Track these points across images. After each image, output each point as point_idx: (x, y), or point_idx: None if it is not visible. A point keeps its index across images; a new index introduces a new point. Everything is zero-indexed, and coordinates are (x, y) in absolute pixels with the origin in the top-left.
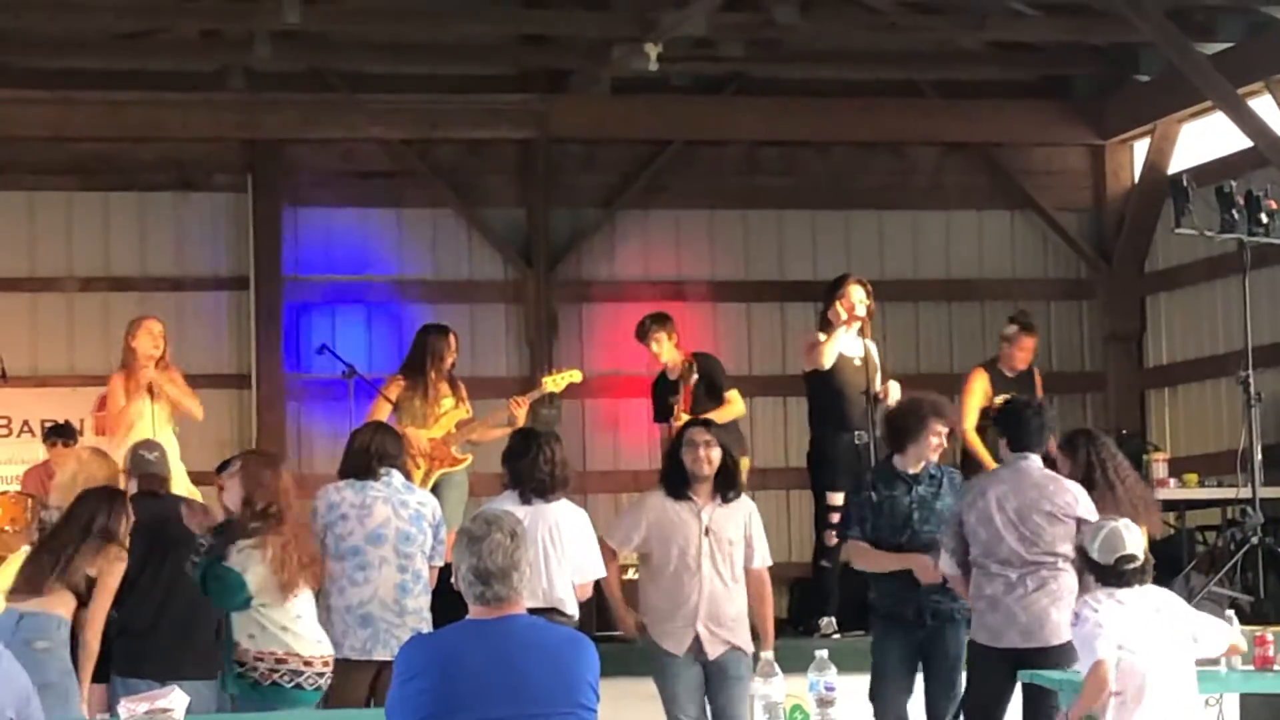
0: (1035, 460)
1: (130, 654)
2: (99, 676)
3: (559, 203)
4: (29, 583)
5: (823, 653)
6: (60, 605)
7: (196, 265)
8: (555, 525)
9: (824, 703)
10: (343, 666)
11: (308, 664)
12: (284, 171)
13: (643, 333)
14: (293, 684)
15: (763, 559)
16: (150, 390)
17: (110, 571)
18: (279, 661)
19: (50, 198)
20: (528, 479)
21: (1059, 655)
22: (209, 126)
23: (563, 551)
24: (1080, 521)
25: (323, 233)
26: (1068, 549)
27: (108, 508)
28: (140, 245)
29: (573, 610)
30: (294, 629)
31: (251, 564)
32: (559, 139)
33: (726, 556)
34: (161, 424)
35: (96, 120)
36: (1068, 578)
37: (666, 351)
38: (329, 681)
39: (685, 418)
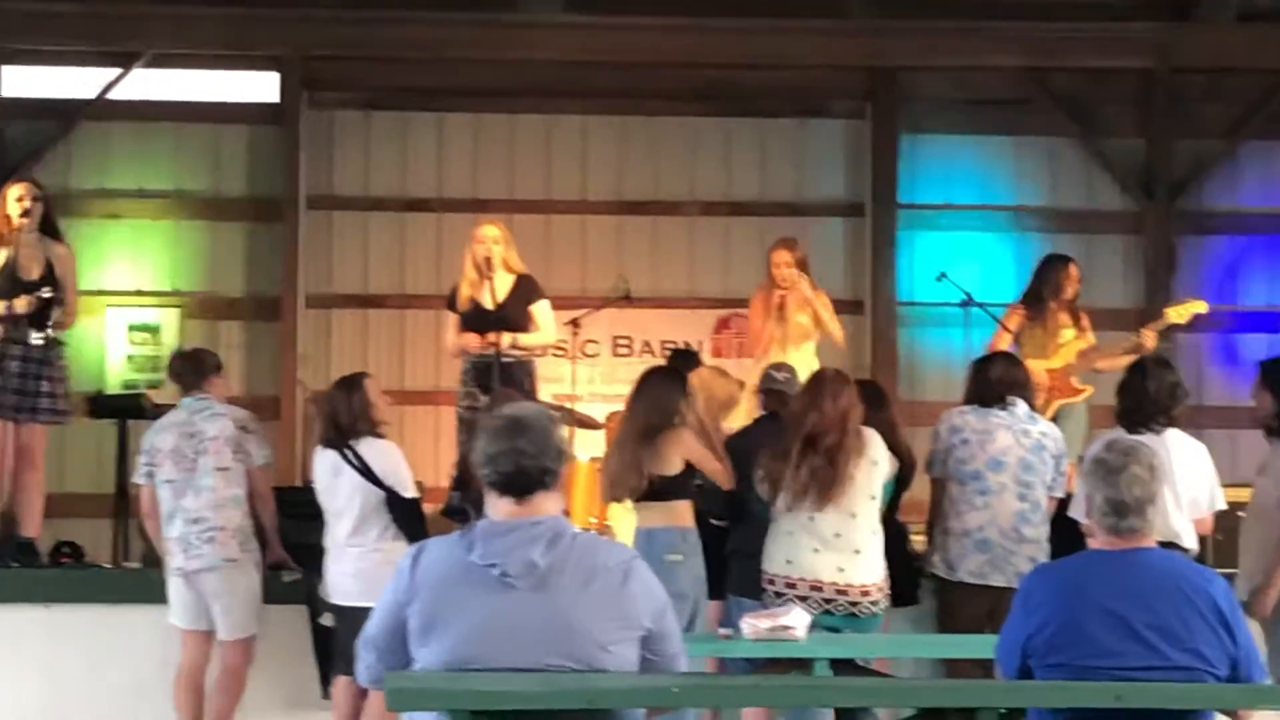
0: None
1: (744, 577)
2: (714, 594)
3: (1180, 133)
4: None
5: None
6: (680, 516)
7: (814, 191)
8: (1165, 456)
9: None
10: (959, 590)
11: (770, 582)
12: (902, 99)
13: None
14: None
15: None
16: (780, 309)
17: (687, 445)
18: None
19: (675, 124)
20: (1133, 408)
21: None
22: (831, 54)
23: (1174, 483)
24: None
25: (940, 160)
26: None
27: (661, 391)
28: (760, 171)
29: (1191, 544)
30: (769, 545)
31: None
32: (1181, 68)
33: None
34: (795, 345)
35: (721, 47)
36: None
37: None
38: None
39: None
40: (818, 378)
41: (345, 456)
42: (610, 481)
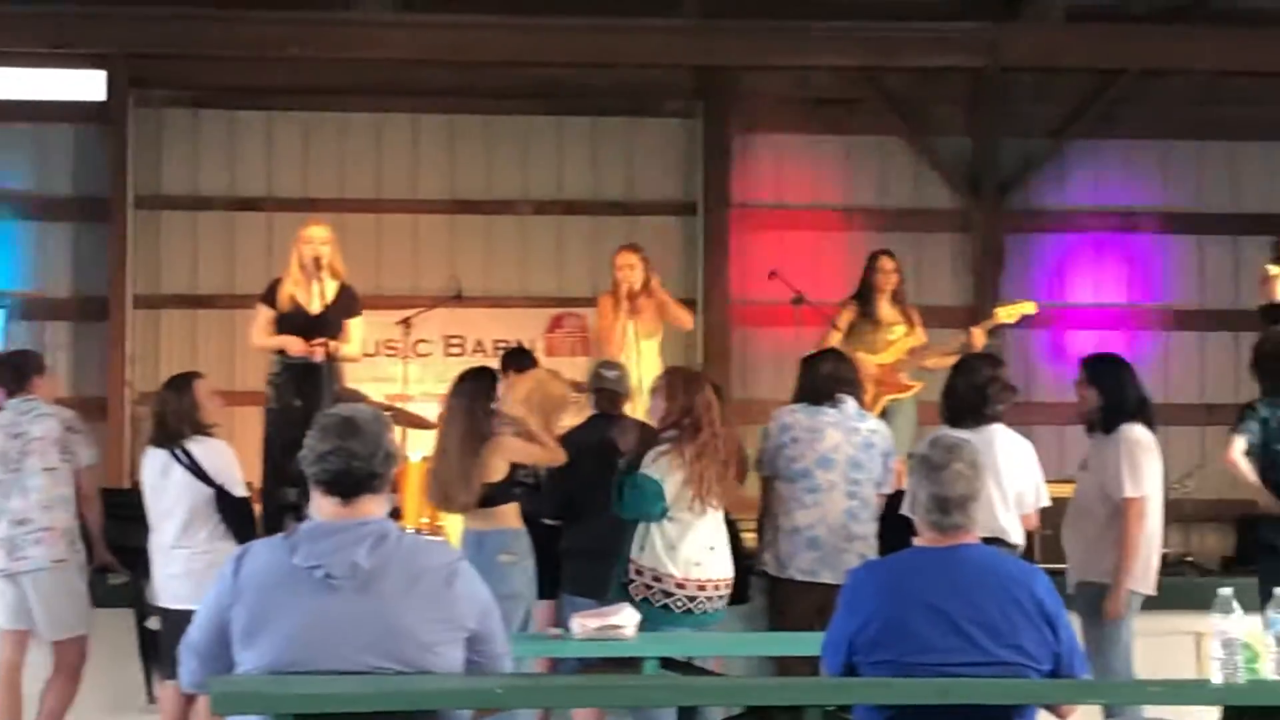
0: None
1: (578, 576)
2: (546, 594)
3: (1008, 132)
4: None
5: None
6: (508, 518)
7: (647, 190)
8: (990, 452)
9: None
10: (789, 587)
11: (679, 586)
12: (735, 98)
13: None
14: (661, 604)
15: None
16: (631, 301)
17: (508, 448)
18: (655, 579)
19: (508, 122)
20: (959, 403)
21: None
22: (663, 52)
23: (1000, 479)
24: None
25: (771, 159)
26: None
27: (476, 398)
28: (593, 170)
29: (1018, 539)
30: (679, 547)
31: (667, 472)
32: (1010, 68)
33: None
34: (639, 342)
35: (553, 46)
36: None
37: None
38: (706, 607)
39: None
40: (693, 378)
41: (175, 455)
42: (440, 493)
